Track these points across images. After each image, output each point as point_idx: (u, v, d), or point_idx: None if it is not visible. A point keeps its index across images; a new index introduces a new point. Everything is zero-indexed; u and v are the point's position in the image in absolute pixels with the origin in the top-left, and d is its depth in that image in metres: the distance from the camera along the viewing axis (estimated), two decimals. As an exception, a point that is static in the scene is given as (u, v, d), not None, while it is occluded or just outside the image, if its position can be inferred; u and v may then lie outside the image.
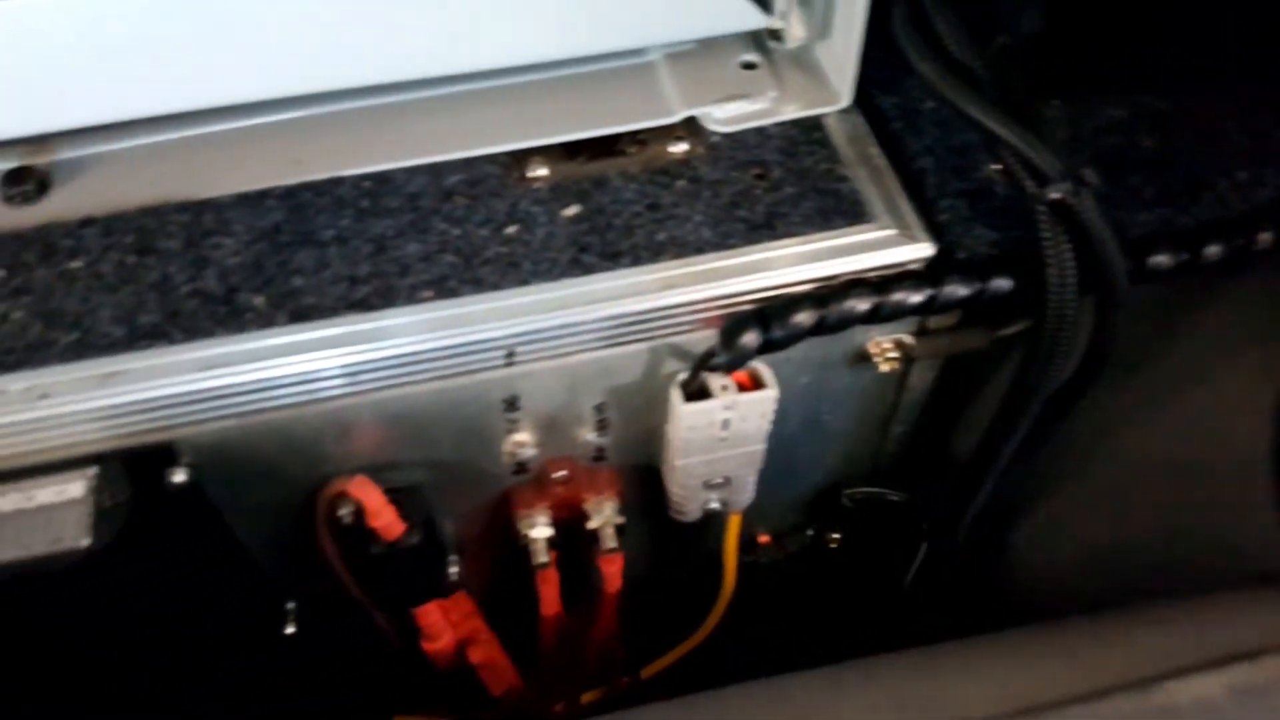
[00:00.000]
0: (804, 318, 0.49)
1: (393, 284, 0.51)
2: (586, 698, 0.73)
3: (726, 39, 0.62)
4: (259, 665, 0.66)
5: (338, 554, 0.58)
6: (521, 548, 0.60)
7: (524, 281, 0.51)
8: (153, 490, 0.49)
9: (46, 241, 0.52)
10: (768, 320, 0.49)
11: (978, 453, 0.62)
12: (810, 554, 0.75)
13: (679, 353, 0.54)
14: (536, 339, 0.51)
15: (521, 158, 0.57)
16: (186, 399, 0.48)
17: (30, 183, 0.54)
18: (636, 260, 0.52)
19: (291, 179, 0.55)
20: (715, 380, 0.54)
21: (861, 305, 0.49)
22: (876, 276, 0.51)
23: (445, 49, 0.57)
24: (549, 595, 0.63)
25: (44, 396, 0.47)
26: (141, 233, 0.53)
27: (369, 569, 0.57)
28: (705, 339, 0.53)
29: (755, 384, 0.54)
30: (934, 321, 0.57)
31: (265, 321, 0.49)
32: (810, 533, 0.75)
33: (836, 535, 0.73)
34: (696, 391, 0.54)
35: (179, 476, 0.50)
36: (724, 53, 0.61)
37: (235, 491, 0.54)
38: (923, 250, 0.53)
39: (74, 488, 0.48)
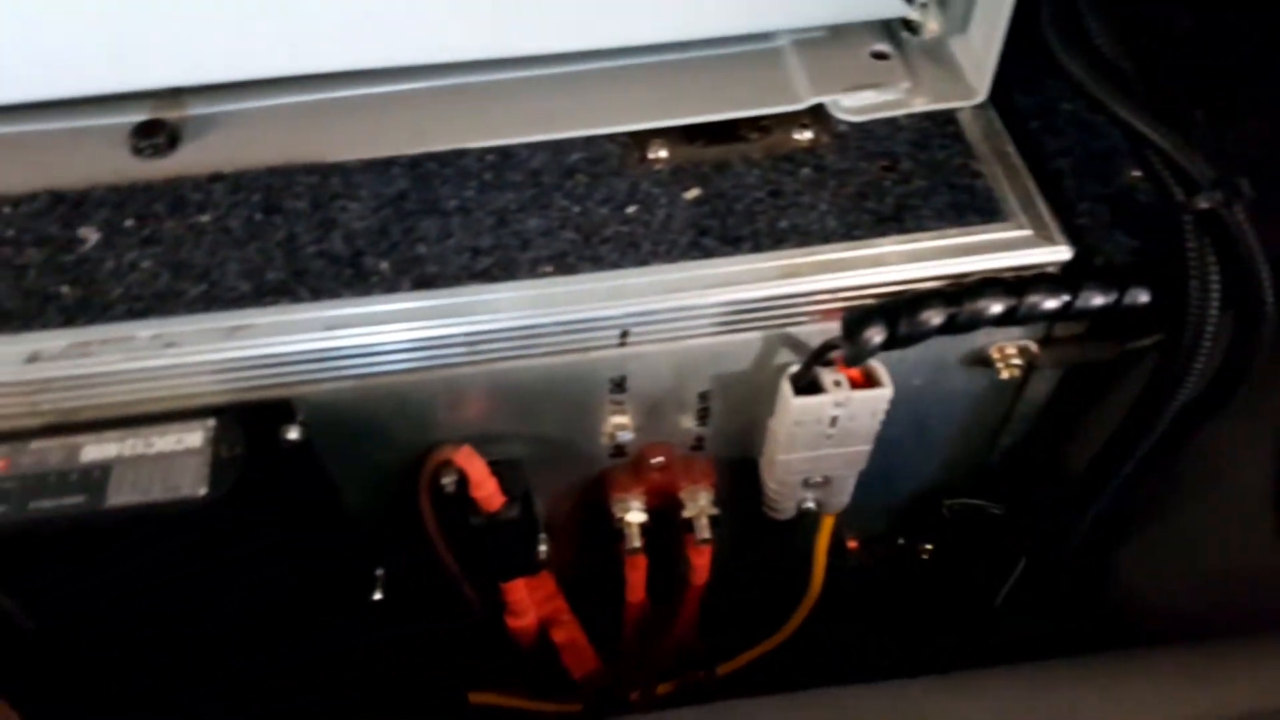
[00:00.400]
0: (933, 315, 0.47)
1: (514, 257, 0.51)
2: (662, 689, 0.72)
3: (856, 28, 0.60)
4: (344, 630, 0.66)
5: (435, 522, 0.58)
6: (615, 531, 0.60)
7: (643, 262, 0.51)
8: (266, 446, 0.50)
9: (176, 194, 0.53)
10: (895, 315, 0.47)
11: (1092, 469, 0.59)
12: (899, 563, 0.74)
13: (792, 344, 0.53)
14: (652, 320, 0.50)
15: (642, 139, 0.57)
16: (308, 357, 0.48)
17: (161, 136, 0.56)
18: (757, 246, 0.51)
19: (416, 148, 0.56)
20: (828, 375, 0.53)
21: (995, 306, 0.48)
22: (1012, 277, 0.49)
23: (574, 25, 0.56)
24: (636, 581, 0.63)
25: (170, 345, 0.47)
26: (269, 191, 0.53)
27: (465, 539, 0.57)
28: (821, 332, 0.52)
29: (869, 382, 0.53)
30: (1061, 329, 0.55)
31: (389, 286, 0.49)
32: (901, 541, 0.73)
33: (929, 546, 0.71)
34: (807, 385, 0.53)
35: (293, 434, 0.51)
36: (854, 41, 0.60)
37: (342, 453, 0.54)
38: (1059, 254, 0.51)
39: (193, 438, 0.48)
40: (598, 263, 0.51)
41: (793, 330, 0.52)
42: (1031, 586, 0.69)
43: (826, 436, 0.55)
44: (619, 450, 0.59)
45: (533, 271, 0.50)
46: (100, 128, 0.57)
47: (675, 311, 0.50)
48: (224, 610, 0.58)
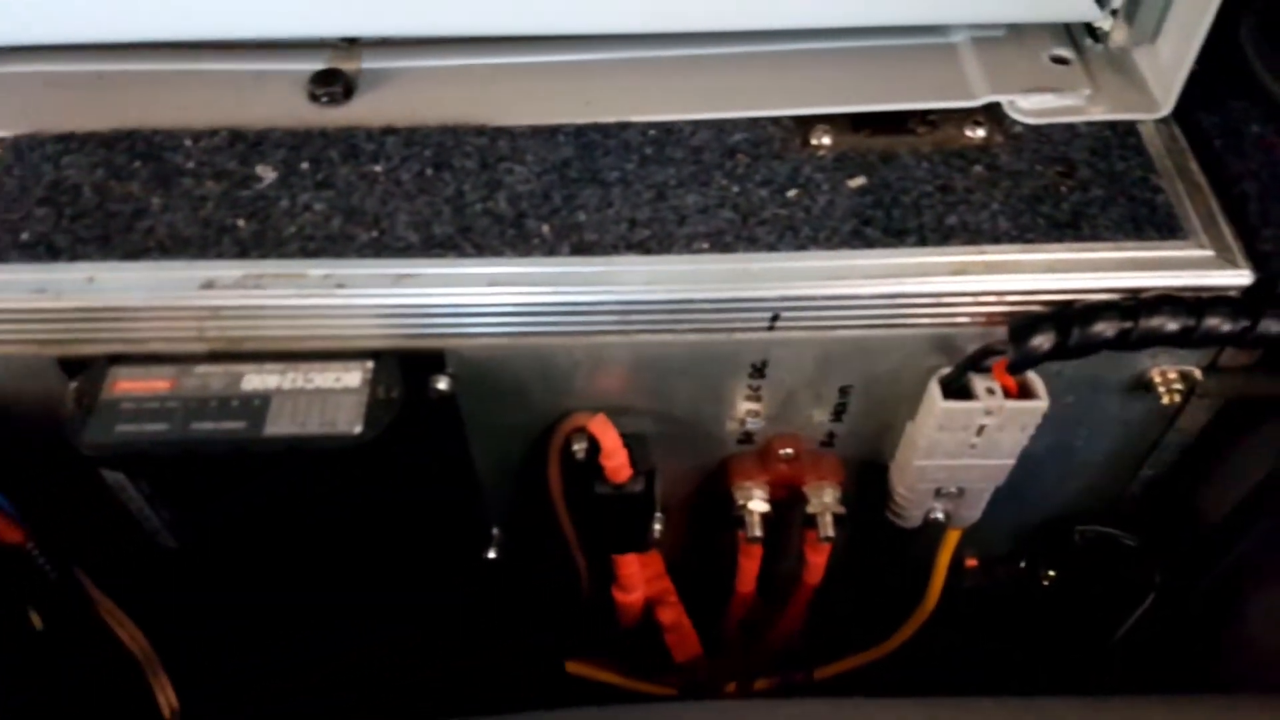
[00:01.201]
0: (1106, 327, 0.45)
1: (670, 231, 0.51)
2: (759, 685, 0.72)
3: (1037, 30, 0.58)
4: (454, 584, 0.67)
5: (560, 487, 0.59)
6: (734, 518, 0.59)
7: (801, 246, 0.50)
8: (417, 393, 0.51)
9: (350, 143, 0.55)
10: (1067, 324, 0.46)
11: (1241, 509, 0.57)
12: (1018, 586, 0.71)
13: (947, 346, 0.52)
14: (805, 306, 0.50)
15: (806, 124, 0.56)
16: (467, 311, 0.49)
17: (338, 85, 0.57)
18: (923, 240, 0.50)
19: (582, 118, 0.56)
20: (980, 382, 0.51)
21: (1170, 325, 0.46)
22: (1191, 296, 0.47)
23: (754, 2, 0.56)
24: (749, 571, 0.62)
25: (340, 286, 0.49)
26: (439, 148, 0.55)
27: (588, 507, 0.58)
28: (980, 335, 0.51)
29: (1023, 393, 0.51)
30: (1227, 358, 0.53)
31: (549, 249, 0.50)
32: (1023, 564, 0.71)
33: (1052, 572, 0.69)
34: (957, 390, 0.52)
35: (442, 384, 0.52)
36: (1033, 43, 0.58)
37: (477, 409, 0.55)
38: (1240, 278, 0.48)
39: (351, 377, 0.50)
40: (754, 243, 0.51)
41: (950, 332, 0.51)
42: (1155, 624, 0.67)
43: (970, 446, 0.54)
44: (746, 437, 0.59)
45: (688, 247, 0.50)
46: (279, 72, 0.59)
47: (830, 300, 0.49)
48: (349, 548, 0.60)
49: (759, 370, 0.53)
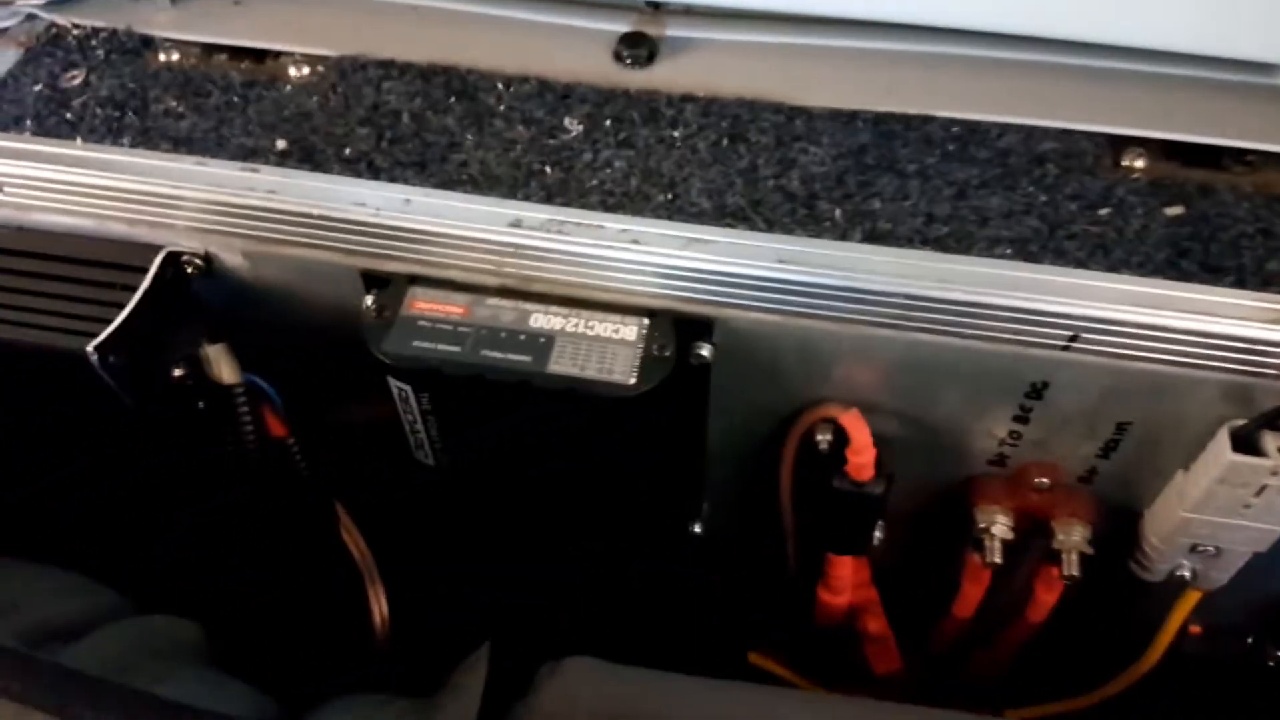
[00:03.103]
0: None
1: (970, 231, 0.50)
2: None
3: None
4: (656, 550, 0.68)
5: (792, 474, 0.59)
6: (974, 540, 0.57)
7: (1112, 268, 0.48)
8: (682, 357, 0.51)
9: (650, 106, 0.56)
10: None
11: None
12: (1242, 662, 0.66)
13: (1244, 397, 0.49)
14: (1107, 330, 0.47)
15: (1118, 143, 0.54)
16: (746, 281, 0.49)
17: (644, 49, 0.59)
18: (1240, 282, 0.47)
19: (881, 106, 0.55)
20: (1272, 440, 0.48)
21: None
22: None
23: (1075, 13, 0.54)
24: (972, 596, 0.60)
25: (635, 242, 0.50)
26: (736, 121, 0.55)
27: (818, 499, 0.57)
28: (1282, 391, 0.47)
29: (1321, 460, 0.47)
30: None
31: (840, 233, 0.50)
32: (1250, 640, 0.66)
33: (1286, 656, 0.64)
34: (1246, 444, 0.49)
35: (704, 351, 0.52)
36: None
37: (727, 381, 0.55)
38: None
39: (628, 330, 0.51)
40: (1060, 256, 0.49)
41: (1252, 382, 0.48)
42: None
43: (1244, 506, 0.50)
44: (999, 459, 0.57)
45: (990, 250, 0.49)
46: (587, 30, 0.61)
47: (1136, 328, 0.47)
48: (574, 496, 0.61)
49: (1037, 391, 0.51)
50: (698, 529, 0.66)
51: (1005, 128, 0.54)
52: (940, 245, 0.49)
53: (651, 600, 0.71)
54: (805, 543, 0.62)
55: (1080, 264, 0.48)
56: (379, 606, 0.65)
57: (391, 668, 0.67)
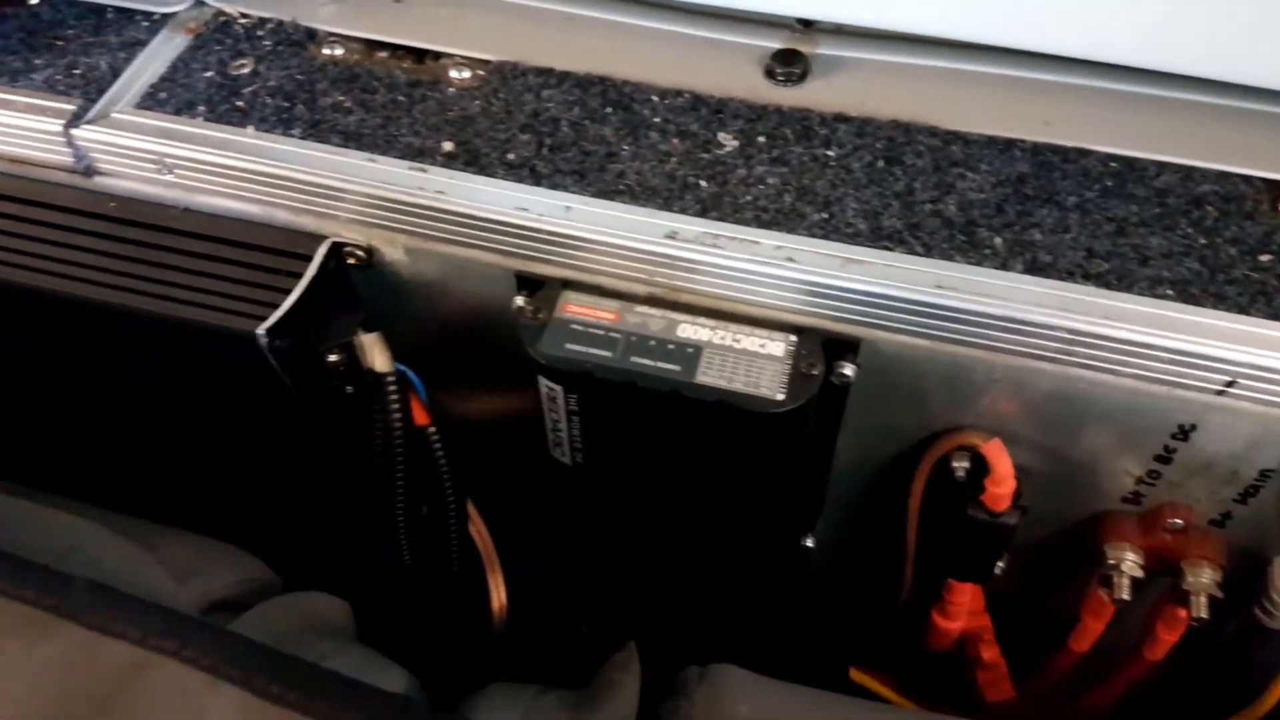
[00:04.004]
0: None
1: (1131, 269, 0.49)
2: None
3: None
4: (769, 562, 0.69)
5: (921, 498, 0.59)
6: (1102, 577, 0.57)
7: (1275, 315, 0.47)
8: (826, 376, 0.52)
9: (804, 124, 0.57)
10: None
11: None
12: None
13: (1406, 453, 0.48)
14: (1265, 379, 0.47)
15: (1276, 189, 0.53)
16: (900, 305, 0.50)
17: (797, 66, 0.59)
18: None
19: (1038, 137, 0.55)
20: None
21: None
22: None
23: (1235, 55, 0.53)
24: (1092, 630, 0.60)
25: (790, 260, 0.50)
26: (890, 142, 0.55)
27: (951, 526, 0.57)
28: None
29: None
30: None
31: (1001, 262, 0.50)
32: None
33: None
34: (1405, 501, 0.48)
35: (848, 370, 0.53)
36: None
37: (865, 401, 0.56)
38: None
39: (775, 346, 0.52)
40: (1221, 300, 0.48)
41: None
42: None
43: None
44: (1134, 497, 0.56)
45: (1151, 290, 0.49)
46: (739, 45, 0.61)
47: (1298, 378, 0.46)
48: (700, 505, 0.61)
49: (1184, 433, 0.51)
50: (810, 543, 0.67)
51: (1163, 166, 0.54)
52: (1101, 281, 0.49)
53: (757, 609, 0.72)
54: (925, 566, 0.63)
55: (1241, 310, 0.47)
56: (498, 595, 0.67)
57: (504, 657, 0.69)
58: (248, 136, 0.57)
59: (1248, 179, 0.53)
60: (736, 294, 0.52)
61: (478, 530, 0.66)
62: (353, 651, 0.45)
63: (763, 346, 0.52)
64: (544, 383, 0.52)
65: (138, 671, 0.38)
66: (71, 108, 0.59)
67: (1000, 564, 0.60)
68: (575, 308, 0.53)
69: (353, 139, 0.56)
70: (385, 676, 0.44)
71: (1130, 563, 0.57)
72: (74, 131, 0.58)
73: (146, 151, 0.57)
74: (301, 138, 0.57)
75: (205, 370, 0.59)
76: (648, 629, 0.63)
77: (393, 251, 0.56)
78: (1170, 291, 0.48)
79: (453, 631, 0.67)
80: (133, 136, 0.57)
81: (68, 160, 0.59)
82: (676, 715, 0.40)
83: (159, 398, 0.64)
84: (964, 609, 0.62)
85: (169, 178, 0.58)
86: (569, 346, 0.51)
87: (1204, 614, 0.55)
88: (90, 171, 0.59)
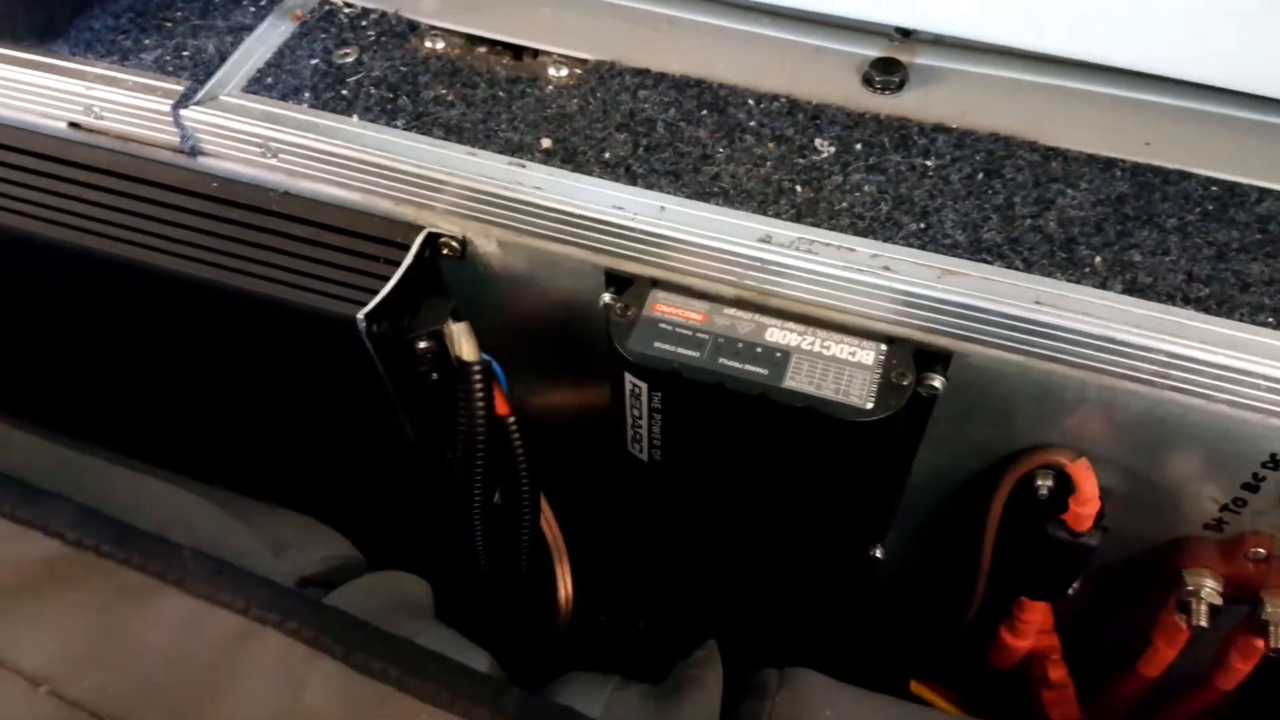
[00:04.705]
0: None
1: (1231, 295, 0.49)
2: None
3: None
4: (835, 571, 0.69)
5: (1000, 515, 0.59)
6: (1180, 602, 0.56)
7: (1380, 348, 0.47)
8: (915, 387, 0.52)
9: (902, 133, 0.57)
10: None
11: None
12: None
13: None
14: (1368, 412, 0.46)
15: (1381, 219, 0.52)
16: (998, 319, 0.49)
17: (896, 75, 0.59)
18: None
19: (1138, 157, 0.55)
20: None
21: None
22: None
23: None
24: (1165, 656, 0.59)
25: (886, 268, 0.50)
26: (990, 155, 0.55)
27: (1029, 545, 0.57)
28: None
29: None
30: None
31: (1101, 281, 0.49)
32: None
33: None
34: None
35: (936, 383, 0.53)
36: None
37: (950, 414, 0.56)
38: None
39: (865, 355, 0.52)
40: (1324, 331, 0.48)
41: None
42: None
43: None
44: (1217, 523, 0.55)
45: (1252, 317, 0.48)
46: (838, 52, 0.61)
47: (1403, 413, 0.46)
48: (774, 511, 0.61)
49: (1275, 462, 0.50)
50: (879, 554, 0.67)
51: (1265, 193, 0.53)
52: (1201, 306, 0.48)
53: (822, 616, 0.72)
54: (998, 583, 0.62)
55: (1345, 341, 0.47)
56: (565, 586, 0.68)
57: (564, 646, 0.70)
58: (353, 125, 0.58)
59: (1355, 208, 0.53)
60: (828, 300, 0.52)
61: (547, 522, 0.67)
62: (441, 631, 0.46)
63: (852, 354, 0.52)
64: (630, 379, 0.53)
65: (242, 641, 0.39)
66: (180, 88, 0.61)
67: (1075, 584, 0.59)
68: (664, 307, 0.53)
69: (454, 132, 0.57)
70: (472, 657, 0.45)
71: (1209, 589, 0.56)
72: (182, 112, 0.60)
73: (252, 135, 0.59)
74: (405, 129, 0.58)
75: (298, 351, 0.60)
76: (706, 628, 0.64)
77: (485, 244, 0.57)
78: (1271, 319, 0.48)
79: (519, 620, 0.68)
80: (239, 119, 0.59)
81: (174, 140, 0.61)
82: (760, 714, 0.41)
83: (252, 377, 0.65)
84: (1034, 627, 0.62)
85: (272, 161, 0.60)
86: (658, 345, 0.52)
87: (1283, 646, 0.55)
88: (195, 151, 0.61)
